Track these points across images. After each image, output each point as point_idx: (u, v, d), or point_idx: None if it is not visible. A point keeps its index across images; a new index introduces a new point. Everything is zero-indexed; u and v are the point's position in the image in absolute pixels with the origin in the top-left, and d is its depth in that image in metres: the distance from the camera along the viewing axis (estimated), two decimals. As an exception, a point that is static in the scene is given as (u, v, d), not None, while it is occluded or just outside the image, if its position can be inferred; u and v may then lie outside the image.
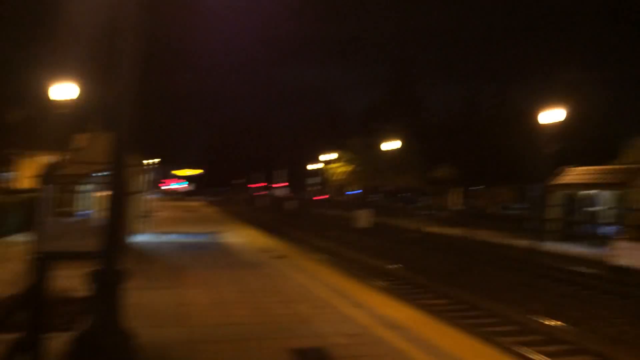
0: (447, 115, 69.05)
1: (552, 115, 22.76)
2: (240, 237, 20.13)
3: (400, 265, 18.46)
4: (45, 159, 37.71)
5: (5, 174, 37.91)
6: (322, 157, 59.16)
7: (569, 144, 27.77)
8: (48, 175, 14.72)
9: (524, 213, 42.67)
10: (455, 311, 12.04)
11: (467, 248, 17.72)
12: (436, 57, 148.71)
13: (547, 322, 11.16)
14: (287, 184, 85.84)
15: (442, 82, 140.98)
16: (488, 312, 11.92)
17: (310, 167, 65.32)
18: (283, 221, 37.19)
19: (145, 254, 14.36)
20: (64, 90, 16.20)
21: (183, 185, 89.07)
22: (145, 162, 25.22)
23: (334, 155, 56.73)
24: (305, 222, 33.50)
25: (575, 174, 22.97)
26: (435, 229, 22.00)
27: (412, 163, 51.76)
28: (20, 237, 16.06)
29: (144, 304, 8.28)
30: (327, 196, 64.19)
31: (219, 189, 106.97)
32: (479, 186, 49.53)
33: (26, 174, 38.92)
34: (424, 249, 19.78)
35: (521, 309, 12.41)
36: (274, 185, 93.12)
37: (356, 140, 55.82)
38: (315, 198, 46.67)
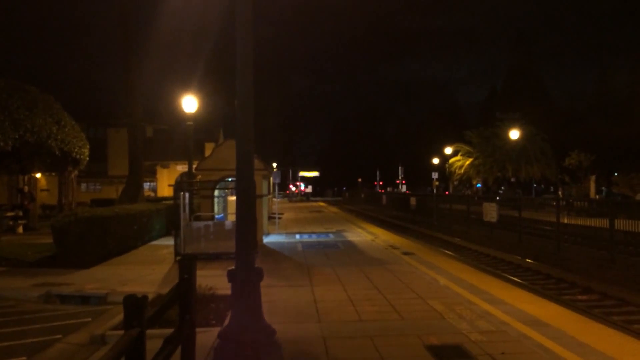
0: (576, 99, 64.40)
1: None
2: (364, 235, 20.21)
3: (535, 259, 17.44)
4: (179, 168, 40.77)
5: (149, 184, 41.47)
6: (441, 152, 57.78)
7: None
8: (181, 183, 15.86)
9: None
10: (602, 307, 11.11)
11: (609, 239, 16.29)
12: (560, 38, 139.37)
13: None
14: (404, 181, 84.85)
15: (568, 64, 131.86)
16: (641, 308, 10.85)
17: (429, 162, 64.08)
18: (406, 218, 36.78)
19: (275, 254, 14.88)
20: (190, 104, 17.29)
21: (304, 188, 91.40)
22: (268, 166, 26.19)
23: (451, 150, 55.12)
24: (429, 217, 32.86)
25: None
26: (571, 221, 20.48)
27: (539, 151, 48.81)
28: (164, 241, 17.39)
29: (278, 301, 8.57)
30: (447, 192, 62.57)
31: (337, 189, 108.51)
32: (616, 172, 45.60)
33: (165, 182, 42.31)
34: (559, 241, 18.50)
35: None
36: (394, 183, 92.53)
37: (474, 132, 53.80)
38: (436, 193, 45.62)
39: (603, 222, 16.89)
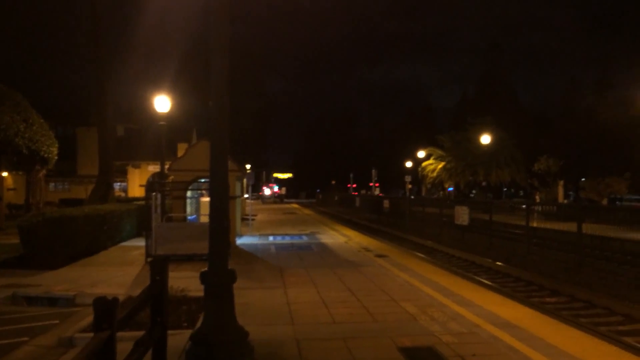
0: (544, 105, 65.72)
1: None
2: (338, 237, 20.25)
3: (505, 262, 17.72)
4: (151, 168, 40.24)
5: (119, 184, 40.86)
6: (414, 156, 58.33)
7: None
8: (153, 184, 15.65)
9: (637, 205, 39.63)
10: (570, 309, 11.34)
11: (577, 243, 16.66)
12: (529, 46, 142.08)
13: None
14: (378, 184, 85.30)
15: (537, 71, 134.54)
16: (607, 310, 11.12)
17: (402, 165, 64.62)
18: (379, 220, 37.00)
19: (248, 255, 14.79)
20: (163, 103, 17.07)
21: (277, 189, 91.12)
22: (242, 167, 26.05)
23: (424, 153, 55.69)
24: (402, 220, 33.11)
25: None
26: (540, 224, 20.90)
27: (510, 156, 49.66)
28: (135, 242, 17.13)
29: (251, 303, 8.51)
30: (422, 194, 63.19)
31: (311, 192, 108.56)
32: (583, 177, 46.73)
33: (136, 183, 41.73)
34: (529, 245, 18.84)
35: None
36: (368, 185, 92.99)
37: (446, 136, 54.51)
38: (409, 196, 46.03)
39: (571, 226, 17.27)
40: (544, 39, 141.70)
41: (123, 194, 39.81)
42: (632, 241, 15.85)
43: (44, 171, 22.20)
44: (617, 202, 42.01)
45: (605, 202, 37.29)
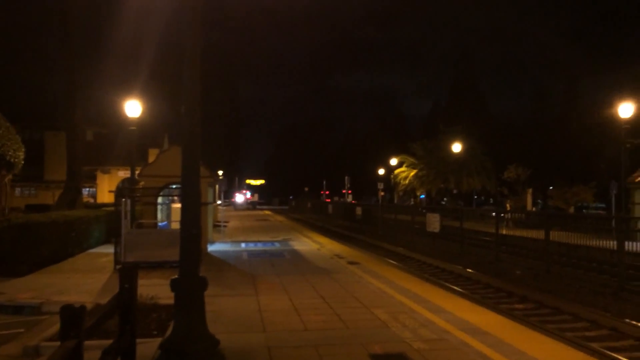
0: (514, 114, 67.11)
1: (632, 108, 21.37)
2: (310, 244, 20.22)
3: (475, 269, 17.94)
4: (121, 174, 39.62)
5: (88, 190, 40.09)
6: (387, 163, 58.75)
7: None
8: (123, 189, 15.41)
9: (602, 213, 40.65)
10: (538, 315, 11.54)
11: (545, 250, 16.98)
12: (500, 56, 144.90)
13: (640, 326, 10.47)
14: (350, 191, 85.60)
15: (507, 81, 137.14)
16: (574, 316, 11.34)
17: (375, 172, 65.00)
18: (352, 227, 37.09)
19: (220, 262, 14.67)
20: (134, 108, 16.86)
21: (250, 196, 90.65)
22: (214, 173, 25.86)
23: (396, 161, 56.14)
24: (374, 227, 33.27)
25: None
26: (509, 232, 21.24)
27: (480, 164, 50.45)
28: (103, 249, 16.82)
29: (222, 311, 8.44)
30: (394, 201, 63.64)
31: (284, 198, 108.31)
32: (552, 186, 47.73)
33: (106, 188, 41.02)
34: (499, 252, 19.13)
35: (610, 313, 11.74)
36: (341, 192, 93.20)
37: (418, 144, 55.13)
38: (381, 203, 46.30)
39: (539, 234, 17.59)
40: (515, 48, 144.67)
41: (92, 200, 39.09)
42: (597, 248, 16.19)
43: (10, 176, 21.62)
44: (583, 210, 43.00)
45: (572, 210, 38.08)
